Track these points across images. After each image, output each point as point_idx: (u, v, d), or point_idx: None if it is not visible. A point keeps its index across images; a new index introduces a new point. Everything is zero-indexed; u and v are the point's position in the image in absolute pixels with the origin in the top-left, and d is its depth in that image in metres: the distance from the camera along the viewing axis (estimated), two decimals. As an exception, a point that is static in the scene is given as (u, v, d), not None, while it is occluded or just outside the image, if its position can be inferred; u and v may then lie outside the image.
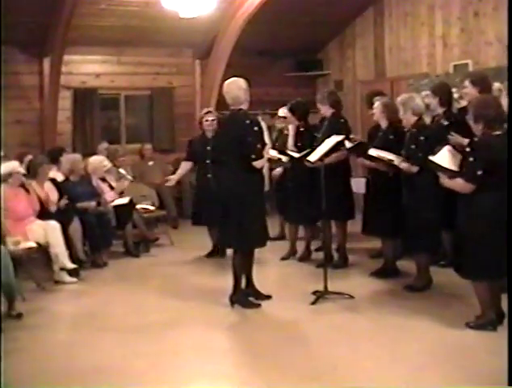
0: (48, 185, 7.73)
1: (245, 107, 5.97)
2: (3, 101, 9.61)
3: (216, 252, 8.05)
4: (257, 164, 5.85)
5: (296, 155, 7.00)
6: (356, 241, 8.03)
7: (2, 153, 8.38)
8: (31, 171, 7.59)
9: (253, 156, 5.81)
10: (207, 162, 7.87)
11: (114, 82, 11.20)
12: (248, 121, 5.87)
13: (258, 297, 6.18)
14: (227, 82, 6.03)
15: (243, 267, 6.09)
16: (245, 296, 6.11)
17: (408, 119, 6.28)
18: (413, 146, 6.15)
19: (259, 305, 6.06)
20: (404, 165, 6.15)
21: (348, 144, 6.78)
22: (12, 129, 10.30)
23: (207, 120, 8.02)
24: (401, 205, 6.35)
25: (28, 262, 6.91)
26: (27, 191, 7.35)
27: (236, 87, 5.94)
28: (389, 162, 6.34)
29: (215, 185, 7.41)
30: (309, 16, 10.88)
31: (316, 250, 7.90)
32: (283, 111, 8.26)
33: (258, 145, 5.84)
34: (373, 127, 7.33)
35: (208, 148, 7.85)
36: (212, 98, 11.00)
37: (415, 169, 6.08)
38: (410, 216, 6.22)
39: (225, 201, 6.01)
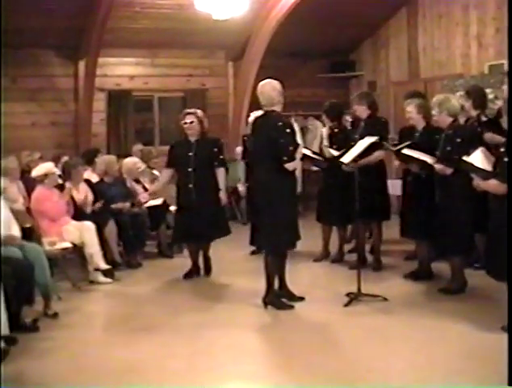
0: (83, 186, 7.81)
1: (278, 108, 5.97)
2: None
3: (196, 272, 7.40)
4: (289, 166, 5.85)
5: (336, 153, 6.90)
6: (390, 243, 7.98)
7: (38, 156, 8.53)
8: (66, 173, 7.69)
9: (285, 158, 5.81)
10: (189, 170, 7.08)
11: (147, 84, 11.30)
12: (280, 123, 5.87)
13: (291, 298, 6.18)
14: (261, 83, 6.05)
15: (276, 269, 6.09)
16: (278, 297, 6.10)
17: (443, 120, 6.22)
18: (448, 148, 6.08)
19: (292, 306, 6.05)
20: (438, 166, 6.10)
21: (390, 146, 6.72)
22: (48, 131, 10.48)
23: (185, 123, 7.17)
24: (435, 207, 6.31)
25: (64, 262, 7.00)
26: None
27: (270, 88, 5.95)
28: (423, 163, 6.29)
29: (196, 196, 7.05)
30: (342, 17, 10.86)
31: (350, 251, 7.87)
32: (255, 116, 7.39)
33: (290, 147, 5.83)
34: (405, 127, 7.28)
35: (190, 154, 7.10)
36: (245, 99, 11.05)
37: (449, 171, 6.02)
38: (444, 218, 6.17)
39: (257, 202, 6.04)
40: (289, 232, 6.04)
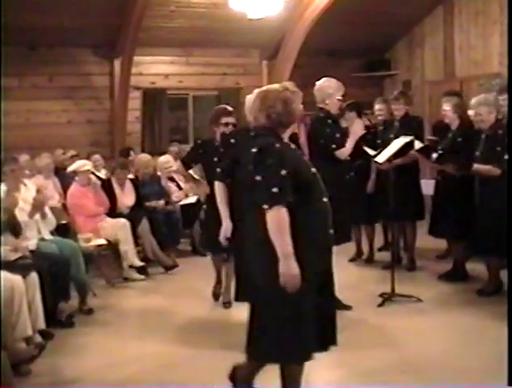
0: (128, 185, 7.95)
1: (325, 106, 5.98)
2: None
3: None
4: (340, 153, 5.81)
5: (372, 153, 6.86)
6: (420, 242, 7.91)
7: (72, 154, 8.64)
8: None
9: (334, 145, 5.81)
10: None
11: (182, 82, 11.33)
12: (322, 114, 5.95)
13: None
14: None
15: None
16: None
17: (491, 119, 6.09)
18: (498, 148, 5.89)
19: None
20: (485, 167, 5.95)
21: (417, 145, 6.68)
22: (83, 129, 10.58)
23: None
24: (472, 207, 6.23)
25: (99, 259, 7.07)
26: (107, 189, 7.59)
27: (316, 88, 6.03)
28: (460, 164, 6.18)
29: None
30: (377, 16, 10.79)
31: (379, 249, 7.86)
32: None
33: (337, 135, 5.84)
34: (438, 121, 7.27)
35: None
36: (279, 98, 11.01)
37: (498, 171, 5.87)
38: (483, 218, 6.06)
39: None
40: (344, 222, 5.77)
